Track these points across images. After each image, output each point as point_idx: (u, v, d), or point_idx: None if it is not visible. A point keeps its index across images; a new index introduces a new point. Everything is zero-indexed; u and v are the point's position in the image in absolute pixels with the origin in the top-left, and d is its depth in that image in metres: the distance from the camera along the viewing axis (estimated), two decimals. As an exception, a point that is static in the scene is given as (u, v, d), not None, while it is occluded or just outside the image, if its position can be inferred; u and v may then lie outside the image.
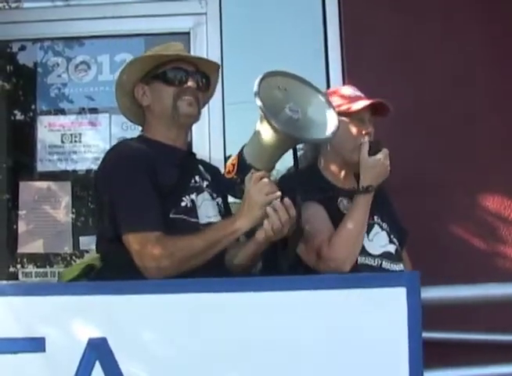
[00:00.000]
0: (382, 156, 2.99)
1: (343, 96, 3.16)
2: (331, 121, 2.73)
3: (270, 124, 2.57)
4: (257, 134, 2.70)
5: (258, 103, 2.57)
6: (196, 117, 3.01)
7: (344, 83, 4.13)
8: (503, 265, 4.03)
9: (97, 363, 2.33)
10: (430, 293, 2.44)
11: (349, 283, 2.38)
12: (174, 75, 2.95)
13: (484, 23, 4.20)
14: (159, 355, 2.34)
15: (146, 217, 2.72)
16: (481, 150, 4.06)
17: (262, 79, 2.65)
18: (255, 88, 2.60)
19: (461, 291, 2.46)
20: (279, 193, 2.65)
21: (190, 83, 2.95)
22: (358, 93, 3.20)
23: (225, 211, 3.04)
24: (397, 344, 2.31)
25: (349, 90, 3.24)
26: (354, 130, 3.08)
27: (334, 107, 2.81)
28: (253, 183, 2.66)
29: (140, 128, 3.18)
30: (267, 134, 2.63)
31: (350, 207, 3.00)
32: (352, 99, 3.14)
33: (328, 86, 4.20)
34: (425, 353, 2.31)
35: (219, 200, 3.03)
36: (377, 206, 3.12)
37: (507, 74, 4.14)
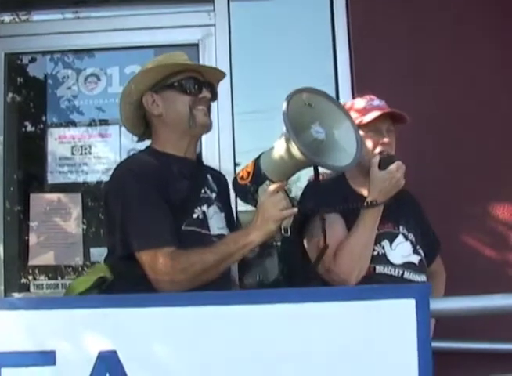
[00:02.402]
0: (392, 169, 2.97)
1: (357, 110, 3.17)
2: (354, 147, 2.71)
3: (295, 145, 2.54)
4: (278, 148, 2.67)
5: (285, 124, 2.53)
6: (209, 128, 3.02)
7: (352, 88, 4.17)
8: (514, 274, 4.03)
9: (107, 376, 2.33)
10: (440, 304, 2.42)
11: (358, 295, 2.36)
12: (189, 85, 2.94)
13: (495, 34, 4.21)
14: (169, 368, 2.33)
15: (158, 233, 2.72)
16: (491, 160, 4.07)
17: (290, 97, 2.61)
18: (283, 107, 2.56)
19: (470, 302, 2.44)
20: (295, 209, 2.66)
21: (205, 93, 2.97)
22: (376, 102, 3.19)
23: (230, 224, 3.05)
24: (406, 355, 2.29)
25: (362, 102, 3.22)
26: (370, 141, 3.09)
27: (359, 132, 2.79)
28: (268, 196, 2.66)
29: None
30: (289, 152, 2.60)
31: (356, 222, 3.00)
32: (365, 111, 3.14)
33: (337, 93, 4.22)
34: (435, 363, 2.30)
35: (224, 213, 3.04)
36: (404, 216, 3.15)
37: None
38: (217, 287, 2.63)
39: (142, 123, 3.07)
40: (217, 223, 2.94)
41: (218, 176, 3.19)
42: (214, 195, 3.01)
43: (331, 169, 2.77)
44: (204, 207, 2.90)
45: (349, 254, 2.91)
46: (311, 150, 2.59)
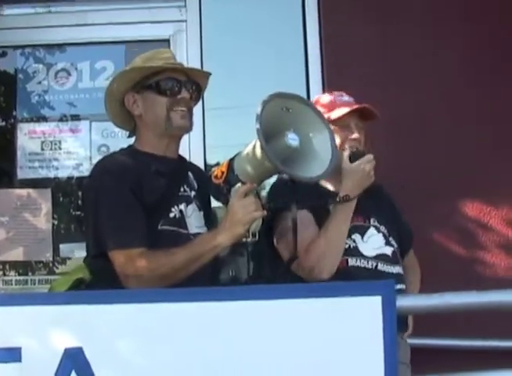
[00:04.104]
0: (363, 162, 2.94)
1: (324, 105, 3.11)
2: (328, 158, 2.70)
3: (265, 153, 2.53)
4: (251, 151, 2.65)
5: (256, 130, 2.50)
6: (188, 129, 2.99)
7: (323, 86, 4.16)
8: (483, 271, 4.04)
9: (73, 373, 2.31)
10: (406, 301, 2.44)
11: (324, 292, 2.37)
12: (167, 85, 2.90)
13: (463, 32, 4.22)
14: (135, 365, 2.32)
15: (128, 233, 2.72)
16: (460, 158, 4.08)
17: (267, 100, 2.58)
18: (258, 111, 2.53)
19: (434, 299, 2.45)
20: (264, 213, 2.65)
21: (184, 94, 2.92)
22: (345, 98, 3.16)
23: (207, 224, 3.02)
24: (372, 352, 2.30)
25: (330, 97, 3.20)
26: (339, 137, 3.02)
27: (336, 145, 2.79)
28: (237, 198, 2.64)
29: (121, 135, 3.17)
30: (259, 157, 2.59)
31: (329, 216, 2.98)
32: (333, 106, 3.11)
33: (308, 94, 4.22)
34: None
35: (203, 212, 3.02)
36: (375, 208, 3.12)
37: (487, 81, 4.17)
38: (195, 283, 2.62)
39: (131, 119, 3.03)
40: (195, 222, 2.92)
41: (199, 173, 3.17)
42: (193, 193, 2.99)
43: (299, 180, 2.74)
44: (182, 206, 2.88)
45: (322, 251, 2.88)
46: (282, 158, 2.58)
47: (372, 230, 3.11)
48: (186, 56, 4.33)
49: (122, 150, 3.06)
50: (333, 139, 2.75)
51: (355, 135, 3.08)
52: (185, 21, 4.41)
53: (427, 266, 3.84)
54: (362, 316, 2.34)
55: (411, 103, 4.11)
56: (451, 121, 4.13)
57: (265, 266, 2.95)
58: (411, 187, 4.00)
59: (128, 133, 3.14)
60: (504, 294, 2.47)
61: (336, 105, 3.11)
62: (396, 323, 2.33)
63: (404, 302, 2.39)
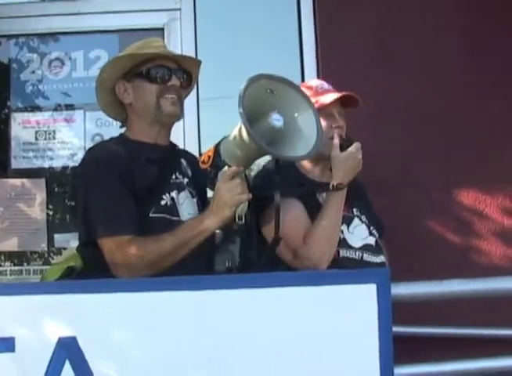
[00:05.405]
0: (353, 149, 2.96)
1: (309, 88, 3.12)
2: (314, 137, 2.69)
3: (249, 134, 2.53)
4: (235, 134, 2.65)
5: (239, 111, 2.52)
6: (179, 116, 2.98)
7: (318, 76, 4.13)
8: (478, 259, 4.04)
9: (67, 363, 2.30)
10: (401, 289, 2.43)
11: (319, 280, 2.36)
12: (157, 73, 2.90)
13: (460, 14, 4.22)
14: (129, 354, 2.32)
15: (116, 221, 2.73)
16: (456, 145, 4.08)
17: (249, 82, 2.59)
18: (241, 91, 2.54)
19: (430, 287, 2.46)
20: (250, 195, 2.65)
21: (174, 81, 2.92)
22: (326, 86, 3.17)
23: (204, 209, 3.01)
24: (367, 341, 2.30)
25: (315, 82, 3.22)
26: (323, 125, 2.97)
27: (321, 123, 2.77)
28: (223, 182, 2.66)
29: (115, 124, 3.16)
30: (245, 138, 2.59)
31: (323, 205, 2.98)
32: (320, 93, 3.11)
33: (302, 79, 4.20)
34: (395, 349, 2.31)
35: (196, 198, 3.01)
36: (355, 199, 3.12)
37: (484, 67, 4.17)
38: (190, 272, 2.59)
39: (123, 109, 3.03)
40: (187, 209, 2.92)
41: (193, 160, 3.14)
42: (186, 180, 2.99)
43: (285, 159, 2.75)
44: (174, 194, 2.88)
45: (320, 239, 2.90)
46: (267, 139, 2.58)
47: (356, 221, 3.14)
48: (180, 45, 4.32)
49: (112, 138, 3.07)
50: (317, 118, 2.74)
51: (340, 123, 3.10)
52: (180, 10, 4.40)
53: (423, 254, 3.86)
54: (356, 304, 2.34)
55: (405, 87, 4.11)
56: (450, 109, 4.12)
57: (252, 252, 2.95)
58: (407, 176, 4.00)
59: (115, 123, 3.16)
60: (500, 281, 2.48)
61: (320, 92, 3.12)
62: (391, 311, 2.33)
63: (399, 290, 2.39)
